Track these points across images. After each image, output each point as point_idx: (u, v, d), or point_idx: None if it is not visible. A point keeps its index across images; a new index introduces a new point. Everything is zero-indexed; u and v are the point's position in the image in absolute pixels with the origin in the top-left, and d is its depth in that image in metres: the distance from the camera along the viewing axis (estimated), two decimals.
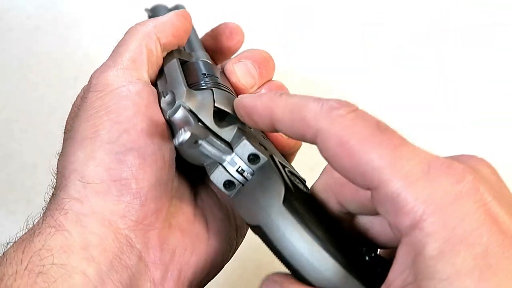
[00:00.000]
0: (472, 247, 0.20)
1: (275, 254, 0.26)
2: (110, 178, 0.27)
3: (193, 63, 0.34)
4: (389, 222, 0.22)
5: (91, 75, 0.30)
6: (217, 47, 0.37)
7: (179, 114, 0.28)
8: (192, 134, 0.26)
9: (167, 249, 0.29)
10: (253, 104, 0.27)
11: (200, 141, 0.27)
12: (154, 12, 0.40)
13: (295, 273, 0.25)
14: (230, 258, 0.33)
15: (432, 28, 0.64)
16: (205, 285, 0.32)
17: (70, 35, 0.64)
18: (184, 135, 0.26)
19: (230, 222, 0.32)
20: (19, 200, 0.58)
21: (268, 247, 0.26)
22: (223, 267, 0.32)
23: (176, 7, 0.41)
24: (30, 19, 0.65)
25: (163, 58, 0.33)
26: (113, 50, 0.31)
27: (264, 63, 0.34)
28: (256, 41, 0.39)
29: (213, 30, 0.38)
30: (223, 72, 0.34)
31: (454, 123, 0.60)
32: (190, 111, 0.28)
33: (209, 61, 0.35)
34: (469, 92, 0.62)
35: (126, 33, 0.32)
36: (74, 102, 0.32)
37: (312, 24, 0.64)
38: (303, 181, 0.29)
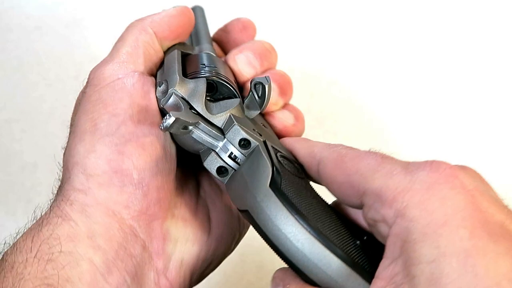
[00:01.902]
0: (456, 229, 0.20)
1: (264, 239, 0.26)
2: (112, 170, 0.28)
3: (195, 55, 0.34)
4: (380, 220, 0.23)
5: (90, 71, 0.31)
6: (230, 40, 0.38)
7: (171, 101, 0.28)
8: (177, 119, 0.26)
9: (169, 239, 0.30)
10: (289, 143, 0.31)
11: (190, 128, 0.28)
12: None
13: (282, 257, 0.25)
14: (233, 250, 0.34)
15: (437, 24, 0.64)
16: (207, 275, 0.32)
17: (70, 35, 0.64)
18: (168, 120, 0.26)
19: (233, 214, 0.33)
20: (19, 200, 0.58)
21: (258, 232, 0.26)
22: (225, 258, 0.33)
23: (194, 9, 0.41)
24: (30, 19, 0.65)
25: (166, 51, 0.34)
26: (112, 47, 0.32)
27: (265, 54, 0.35)
28: (265, 36, 0.39)
29: (226, 25, 0.39)
30: (226, 63, 0.35)
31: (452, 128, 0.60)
32: (182, 99, 0.29)
33: (212, 54, 0.35)
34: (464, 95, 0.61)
35: (125, 29, 0.33)
36: (77, 98, 0.32)
37: (315, 20, 0.64)
38: (298, 167, 0.29)
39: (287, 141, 0.31)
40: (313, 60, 0.63)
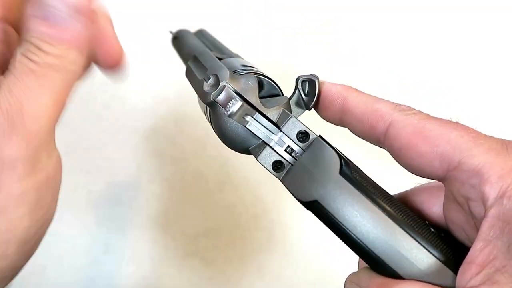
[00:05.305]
0: None
1: (334, 231, 0.25)
2: None
3: (229, 59, 0.34)
4: (475, 199, 0.22)
5: None
6: None
7: (224, 94, 0.28)
8: (242, 104, 0.28)
9: None
10: (329, 89, 0.28)
11: (248, 118, 0.28)
12: (179, 37, 0.40)
13: (358, 247, 0.24)
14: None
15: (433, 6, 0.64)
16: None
17: None
18: (235, 105, 0.27)
19: None
20: None
21: (326, 224, 0.26)
22: None
23: (200, 32, 0.41)
24: None
25: (184, 45, 0.33)
26: None
27: None
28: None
29: None
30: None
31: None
32: (235, 92, 0.29)
33: (243, 58, 0.35)
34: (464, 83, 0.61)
35: None
36: None
37: (314, 19, 0.64)
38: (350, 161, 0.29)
39: (330, 86, 0.28)
40: (313, 58, 0.63)
